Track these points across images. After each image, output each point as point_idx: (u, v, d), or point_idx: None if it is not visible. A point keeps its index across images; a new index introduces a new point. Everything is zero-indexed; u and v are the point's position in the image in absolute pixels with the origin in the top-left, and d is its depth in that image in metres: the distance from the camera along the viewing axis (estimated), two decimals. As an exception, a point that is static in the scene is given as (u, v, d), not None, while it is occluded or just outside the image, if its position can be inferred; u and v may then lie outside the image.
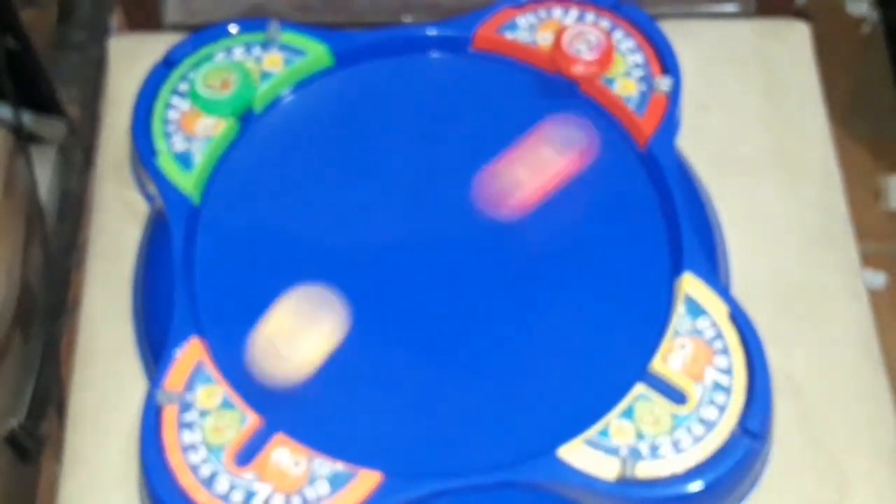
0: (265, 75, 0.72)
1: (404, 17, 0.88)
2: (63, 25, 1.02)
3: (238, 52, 0.73)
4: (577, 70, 0.71)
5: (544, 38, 0.73)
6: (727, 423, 0.60)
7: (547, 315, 0.66)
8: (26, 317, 0.85)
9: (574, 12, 0.74)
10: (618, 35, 0.73)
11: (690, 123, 0.74)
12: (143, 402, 0.62)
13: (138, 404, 0.64)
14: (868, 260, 0.78)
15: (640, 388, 0.61)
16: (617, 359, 0.64)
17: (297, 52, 0.73)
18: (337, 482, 0.59)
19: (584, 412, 0.61)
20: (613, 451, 0.59)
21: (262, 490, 0.59)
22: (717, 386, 0.61)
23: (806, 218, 0.75)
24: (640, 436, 0.60)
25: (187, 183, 0.68)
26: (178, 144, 0.69)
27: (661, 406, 0.60)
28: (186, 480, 0.59)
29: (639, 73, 0.72)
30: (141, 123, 0.70)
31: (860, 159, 1.04)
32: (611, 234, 0.68)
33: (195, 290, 0.66)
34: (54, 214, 0.94)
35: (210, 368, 0.62)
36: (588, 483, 0.59)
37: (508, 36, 0.74)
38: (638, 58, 0.72)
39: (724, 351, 0.62)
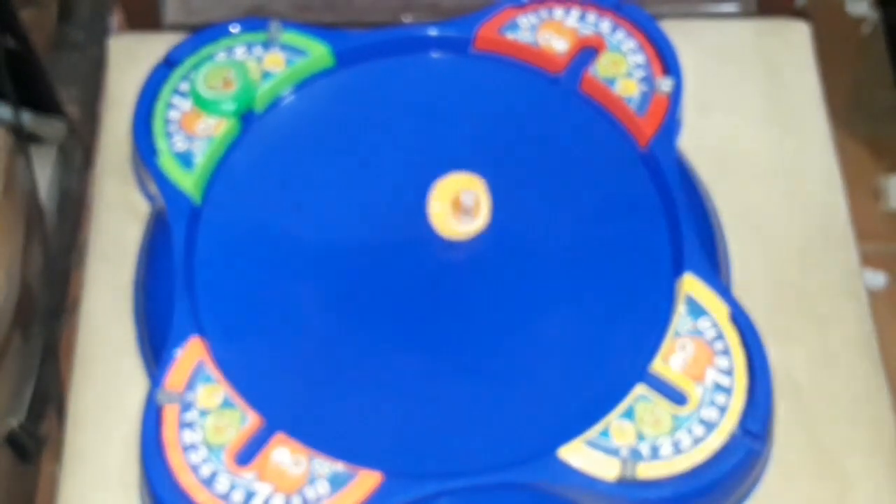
0: (266, 75, 0.72)
1: (405, 17, 0.88)
2: (63, 25, 1.02)
3: (239, 52, 0.73)
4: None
5: (545, 39, 0.73)
6: (728, 424, 0.60)
7: (547, 315, 0.66)
8: (26, 316, 0.85)
9: (575, 12, 0.74)
10: (619, 35, 0.73)
11: (691, 123, 0.74)
12: (144, 401, 0.62)
13: (139, 404, 0.64)
14: (868, 260, 0.78)
15: (640, 389, 0.61)
16: (617, 359, 0.64)
17: (299, 51, 0.73)
18: (337, 482, 0.59)
19: (584, 413, 0.61)
20: (614, 452, 0.59)
21: (263, 490, 0.59)
22: (718, 387, 0.61)
23: (806, 218, 0.75)
24: (640, 436, 0.60)
25: (188, 183, 0.68)
26: (179, 144, 0.69)
27: (661, 407, 0.60)
28: (187, 480, 0.59)
29: (640, 73, 0.72)
30: (142, 123, 0.70)
31: (860, 159, 1.04)
32: (612, 235, 0.68)
33: (196, 290, 0.66)
34: (54, 214, 0.95)
35: (211, 368, 0.62)
36: (588, 484, 0.59)
37: (510, 36, 0.74)
38: (639, 58, 0.72)
39: (725, 352, 0.62)
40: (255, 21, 0.74)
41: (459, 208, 0.66)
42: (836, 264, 0.73)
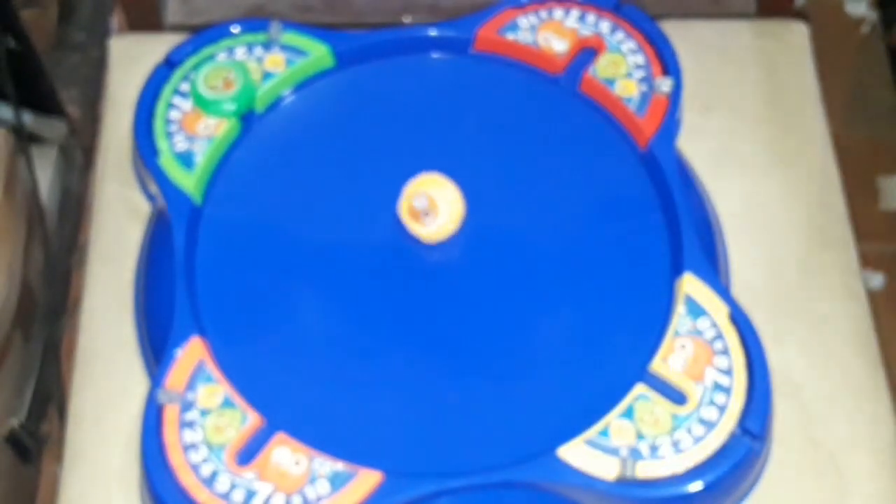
0: (266, 75, 0.72)
1: (405, 18, 0.88)
2: (63, 26, 1.02)
3: (240, 53, 0.73)
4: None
5: (545, 39, 0.73)
6: (727, 424, 0.60)
7: (547, 315, 0.66)
8: (27, 316, 0.85)
9: (575, 13, 0.74)
10: (619, 36, 0.73)
11: (690, 124, 0.74)
12: (144, 401, 0.62)
13: (139, 404, 0.64)
14: (866, 260, 0.78)
15: (640, 389, 0.61)
16: (617, 359, 0.64)
17: (299, 52, 0.73)
18: (337, 481, 0.59)
19: (584, 412, 0.61)
20: (613, 452, 0.59)
21: (263, 489, 0.59)
22: (718, 386, 0.61)
23: (805, 218, 0.75)
24: (640, 436, 0.60)
25: (189, 183, 0.68)
26: (180, 144, 0.69)
27: (661, 406, 0.60)
28: (187, 480, 0.59)
29: (640, 73, 0.72)
30: (143, 123, 0.70)
31: (859, 159, 1.04)
32: (611, 235, 0.68)
33: (196, 290, 0.66)
34: (55, 214, 0.94)
35: (211, 368, 0.62)
36: (588, 483, 0.59)
37: (509, 37, 0.74)
38: (639, 59, 0.72)
39: (725, 351, 0.62)
40: (255, 22, 0.74)
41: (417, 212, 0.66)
42: (836, 264, 0.73)
